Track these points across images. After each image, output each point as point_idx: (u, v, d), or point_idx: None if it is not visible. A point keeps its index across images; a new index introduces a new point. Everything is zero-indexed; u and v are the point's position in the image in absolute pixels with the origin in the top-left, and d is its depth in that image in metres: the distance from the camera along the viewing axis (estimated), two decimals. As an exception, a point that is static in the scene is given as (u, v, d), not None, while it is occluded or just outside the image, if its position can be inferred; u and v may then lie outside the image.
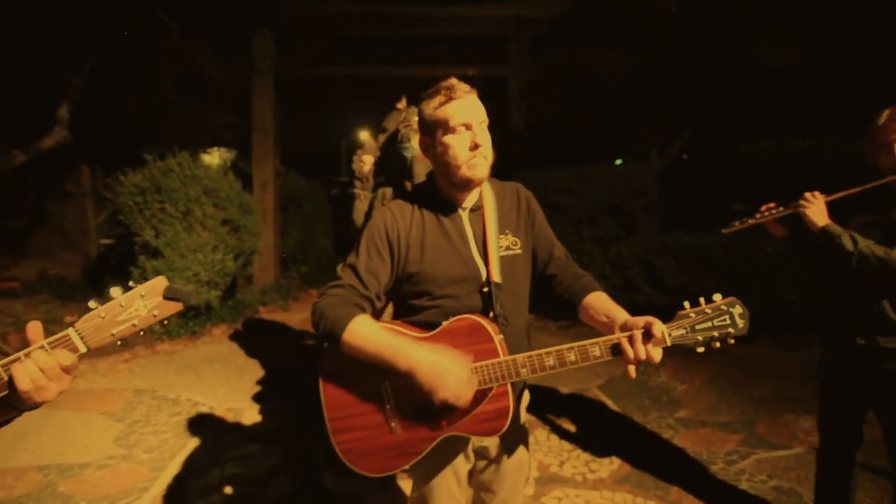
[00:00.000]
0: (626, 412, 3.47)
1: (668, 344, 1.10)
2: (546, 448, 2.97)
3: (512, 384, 1.22)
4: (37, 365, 0.84)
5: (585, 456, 2.89)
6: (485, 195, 1.38)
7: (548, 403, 3.57)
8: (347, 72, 8.09)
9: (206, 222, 4.93)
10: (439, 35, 7.72)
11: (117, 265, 5.38)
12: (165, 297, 0.97)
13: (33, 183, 6.60)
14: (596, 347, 1.12)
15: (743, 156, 5.32)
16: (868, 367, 1.79)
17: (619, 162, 7.16)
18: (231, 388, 3.86)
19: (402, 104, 2.67)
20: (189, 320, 5.04)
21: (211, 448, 2.98)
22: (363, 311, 1.26)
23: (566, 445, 3.01)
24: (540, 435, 3.13)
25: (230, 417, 3.40)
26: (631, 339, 1.09)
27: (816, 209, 1.82)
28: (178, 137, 6.44)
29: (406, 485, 2.27)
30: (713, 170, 6.12)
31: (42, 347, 0.87)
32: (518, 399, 1.41)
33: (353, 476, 2.36)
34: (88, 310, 0.94)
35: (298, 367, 4.37)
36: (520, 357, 1.16)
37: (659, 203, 5.56)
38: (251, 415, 3.44)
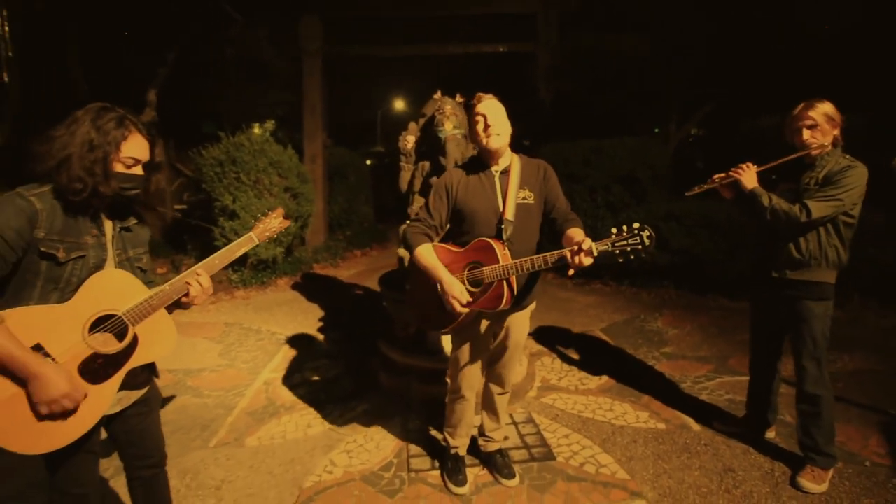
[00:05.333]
0: (621, 347, 4.18)
1: (595, 254, 1.78)
2: (549, 369, 3.75)
3: (513, 288, 1.95)
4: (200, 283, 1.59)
5: (580, 374, 3.65)
6: (513, 164, 2.13)
7: (557, 339, 4.33)
8: (387, 51, 8.63)
9: (272, 189, 5.82)
10: (472, 14, 8.16)
11: (196, 227, 6.35)
12: (284, 218, 1.81)
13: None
14: (553, 256, 1.82)
15: (747, 130, 5.72)
16: (780, 295, 2.44)
17: (656, 130, 7.63)
18: (299, 323, 4.79)
19: (437, 95, 3.35)
20: (259, 272, 6.01)
21: (291, 361, 3.91)
22: (429, 237, 2.11)
23: (566, 367, 3.78)
24: (546, 360, 3.90)
25: (302, 342, 4.32)
26: (571, 252, 1.79)
27: (748, 175, 2.43)
28: (238, 114, 7.34)
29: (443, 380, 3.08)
30: (723, 144, 6.50)
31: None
32: (519, 302, 2.11)
33: (401, 375, 3.21)
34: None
35: (350, 310, 5.27)
36: (509, 263, 1.90)
37: (668, 173, 6.04)
38: (317, 341, 4.35)
